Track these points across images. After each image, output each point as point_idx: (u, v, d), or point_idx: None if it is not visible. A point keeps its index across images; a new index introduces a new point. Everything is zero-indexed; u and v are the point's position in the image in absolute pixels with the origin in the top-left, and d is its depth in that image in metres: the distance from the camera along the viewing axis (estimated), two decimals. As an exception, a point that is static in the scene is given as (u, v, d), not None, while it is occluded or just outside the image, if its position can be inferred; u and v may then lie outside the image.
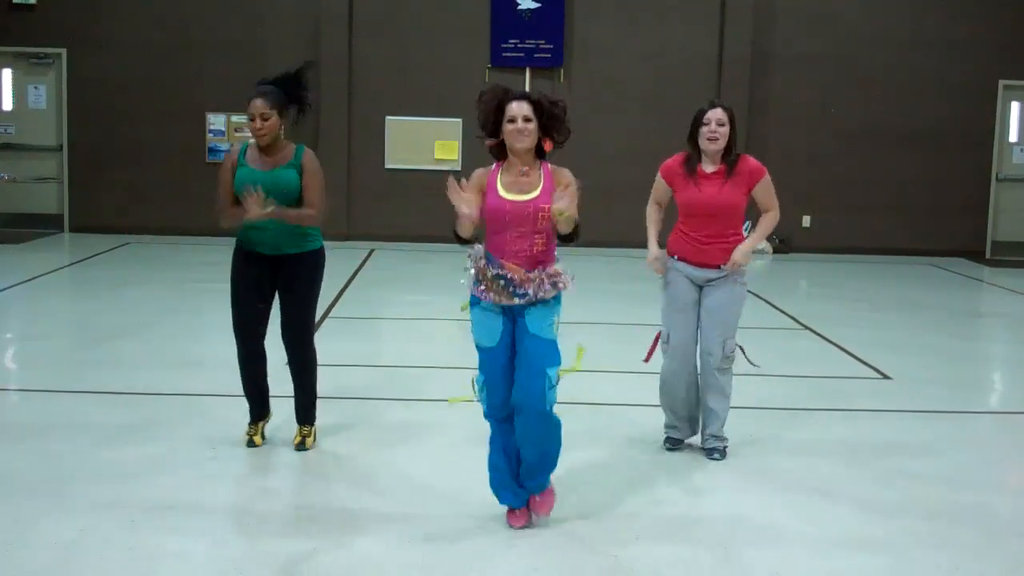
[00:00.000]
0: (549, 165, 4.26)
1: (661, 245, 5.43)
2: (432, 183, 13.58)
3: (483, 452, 4.47)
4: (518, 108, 4.15)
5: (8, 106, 13.90)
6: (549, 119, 4.18)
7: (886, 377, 7.26)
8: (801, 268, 12.97)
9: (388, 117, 13.78)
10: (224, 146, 13.61)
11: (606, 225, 12.95)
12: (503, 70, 13.67)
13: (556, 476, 4.46)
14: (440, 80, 13.67)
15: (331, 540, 4.21)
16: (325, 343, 7.70)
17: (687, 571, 4.05)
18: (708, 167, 5.25)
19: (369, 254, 12.61)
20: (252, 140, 5.07)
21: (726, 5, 13.71)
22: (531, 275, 4.15)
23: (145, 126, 13.62)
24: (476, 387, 4.33)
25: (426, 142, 13.78)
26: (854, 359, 7.78)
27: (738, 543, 4.31)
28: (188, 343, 7.68)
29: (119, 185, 13.69)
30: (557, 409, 4.28)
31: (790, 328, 8.88)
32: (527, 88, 13.67)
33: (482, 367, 4.29)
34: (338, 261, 9.74)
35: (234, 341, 5.22)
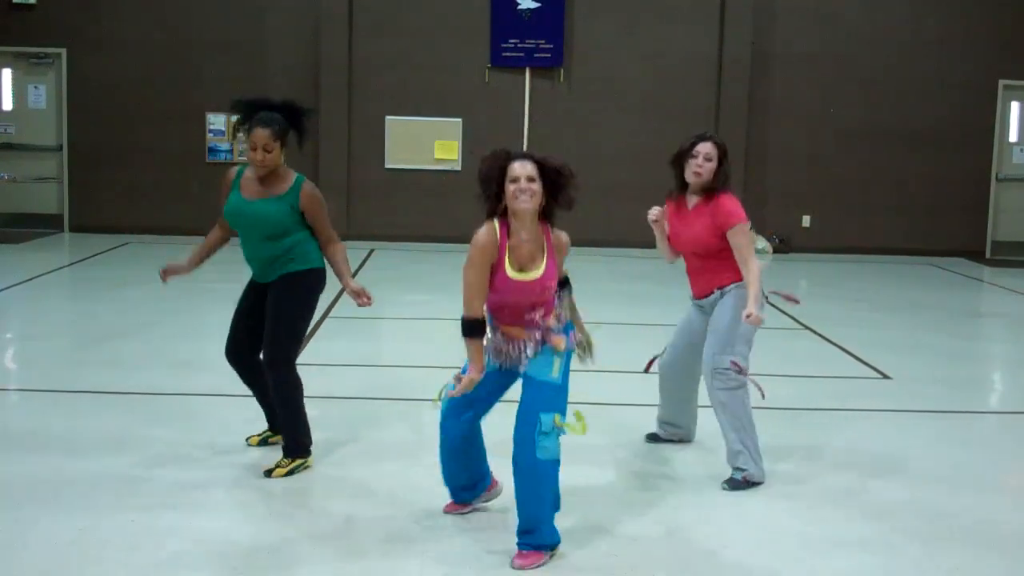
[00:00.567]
0: (550, 231, 4.06)
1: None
2: (432, 183, 13.65)
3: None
4: (521, 168, 3.92)
5: (8, 106, 13.89)
6: (554, 183, 3.96)
7: (886, 377, 7.27)
8: (801, 268, 12.97)
9: (388, 117, 13.78)
10: (224, 146, 13.63)
11: (606, 225, 12.98)
12: (503, 70, 13.68)
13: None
14: (440, 80, 13.67)
15: (331, 540, 4.21)
16: (325, 343, 7.75)
17: (687, 571, 4.05)
18: (691, 200, 5.04)
19: (369, 254, 12.61)
20: (240, 167, 4.97)
21: (726, 5, 13.70)
22: (528, 334, 4.03)
23: (145, 126, 13.62)
24: (445, 390, 4.20)
25: (426, 142, 13.78)
26: (854, 359, 7.78)
27: (738, 543, 4.31)
28: (188, 343, 7.67)
29: (119, 185, 13.69)
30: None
31: (790, 328, 8.88)
32: (527, 88, 13.71)
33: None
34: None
35: None
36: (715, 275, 5.02)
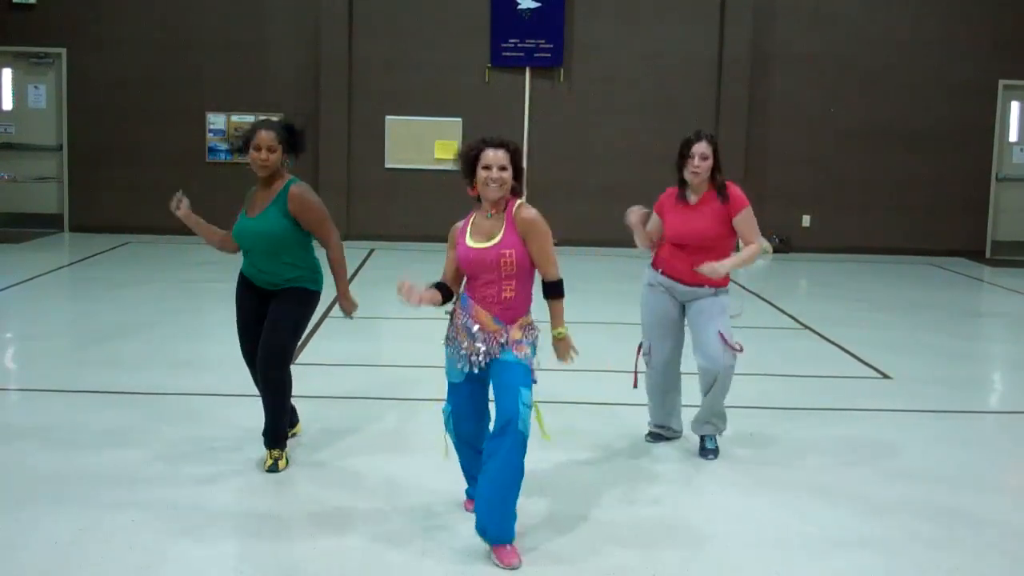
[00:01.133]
0: (514, 206, 4.17)
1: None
2: (432, 183, 13.64)
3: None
4: (494, 156, 4.13)
5: (8, 106, 13.91)
6: (516, 167, 4.16)
7: (886, 377, 7.27)
8: (801, 268, 12.97)
9: (388, 117, 13.78)
10: (224, 146, 13.63)
11: (605, 225, 12.93)
12: (503, 70, 13.69)
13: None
14: (440, 80, 13.68)
15: (330, 541, 4.21)
16: (325, 343, 7.75)
17: (686, 571, 4.05)
18: (692, 198, 5.28)
19: (369, 254, 12.61)
20: (254, 187, 5.14)
21: (726, 5, 13.71)
22: (497, 327, 4.14)
23: (145, 126, 13.63)
24: (444, 417, 4.36)
25: (426, 142, 13.78)
26: (854, 359, 7.78)
27: (737, 543, 4.31)
28: (188, 343, 7.68)
29: (119, 185, 13.69)
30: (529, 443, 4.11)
31: (790, 328, 8.88)
32: (527, 88, 13.71)
33: (449, 398, 4.34)
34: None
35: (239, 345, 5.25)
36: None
